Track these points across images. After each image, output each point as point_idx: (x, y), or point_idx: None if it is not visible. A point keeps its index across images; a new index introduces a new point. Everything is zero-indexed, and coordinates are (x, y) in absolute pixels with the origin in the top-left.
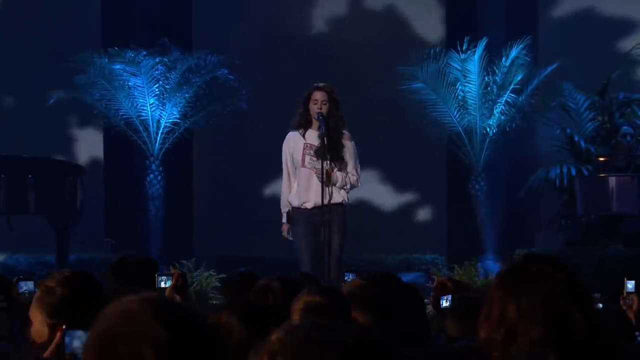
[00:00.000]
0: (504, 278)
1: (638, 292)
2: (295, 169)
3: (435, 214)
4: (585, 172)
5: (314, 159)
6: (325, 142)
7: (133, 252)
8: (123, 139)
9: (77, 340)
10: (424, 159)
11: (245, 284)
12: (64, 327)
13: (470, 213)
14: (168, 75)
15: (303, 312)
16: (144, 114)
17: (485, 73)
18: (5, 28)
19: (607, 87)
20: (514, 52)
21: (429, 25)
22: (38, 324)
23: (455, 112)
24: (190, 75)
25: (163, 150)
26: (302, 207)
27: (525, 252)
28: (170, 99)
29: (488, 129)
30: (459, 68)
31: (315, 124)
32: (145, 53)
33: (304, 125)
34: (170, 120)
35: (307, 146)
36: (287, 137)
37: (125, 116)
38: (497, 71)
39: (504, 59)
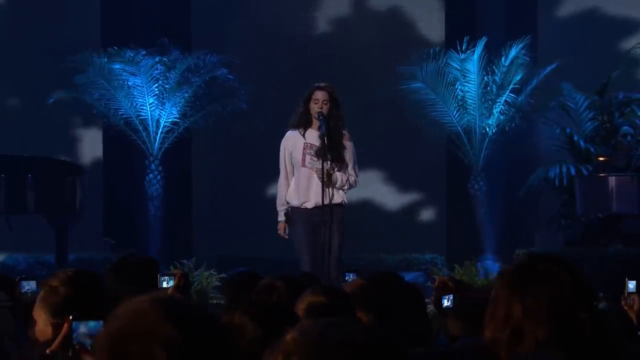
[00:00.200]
0: (510, 278)
1: (639, 292)
2: (294, 167)
3: (434, 213)
4: (585, 172)
5: (315, 159)
6: (326, 142)
7: (134, 251)
8: (122, 138)
9: (84, 330)
10: (424, 159)
11: (246, 283)
12: (70, 317)
13: (470, 213)
14: (167, 74)
15: (307, 311)
16: (143, 114)
17: (484, 73)
18: (5, 28)
19: (607, 86)
20: (513, 52)
21: (429, 25)
22: (42, 323)
23: (455, 112)
24: (189, 75)
25: (162, 150)
26: (302, 207)
27: (524, 252)
28: (169, 99)
29: (487, 129)
30: (459, 68)
31: (316, 123)
32: (144, 53)
33: (303, 124)
34: (170, 120)
35: (307, 146)
36: (286, 135)
37: (124, 116)
38: (496, 71)
39: (503, 58)
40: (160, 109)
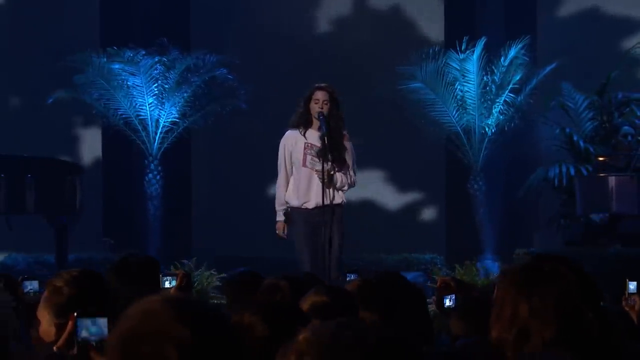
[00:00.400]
0: (517, 277)
1: None
2: (293, 167)
3: (434, 213)
4: (585, 172)
5: (315, 159)
6: (327, 143)
7: (134, 251)
8: (122, 138)
9: (89, 326)
10: (423, 159)
11: (248, 283)
12: (75, 314)
13: (469, 213)
14: (167, 74)
15: (310, 311)
16: (142, 114)
17: (484, 73)
18: (5, 28)
19: (606, 86)
20: (512, 52)
21: (429, 25)
22: (46, 323)
23: (454, 112)
24: (189, 75)
25: (162, 149)
26: (303, 207)
27: (524, 252)
28: (169, 99)
29: (487, 129)
30: (458, 68)
31: (316, 123)
32: (144, 53)
33: (304, 124)
34: (169, 120)
35: (308, 145)
36: (285, 135)
37: (124, 116)
38: (495, 71)
39: (502, 58)
40: (160, 109)
